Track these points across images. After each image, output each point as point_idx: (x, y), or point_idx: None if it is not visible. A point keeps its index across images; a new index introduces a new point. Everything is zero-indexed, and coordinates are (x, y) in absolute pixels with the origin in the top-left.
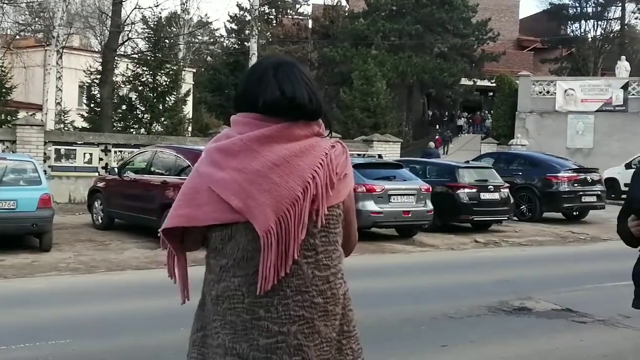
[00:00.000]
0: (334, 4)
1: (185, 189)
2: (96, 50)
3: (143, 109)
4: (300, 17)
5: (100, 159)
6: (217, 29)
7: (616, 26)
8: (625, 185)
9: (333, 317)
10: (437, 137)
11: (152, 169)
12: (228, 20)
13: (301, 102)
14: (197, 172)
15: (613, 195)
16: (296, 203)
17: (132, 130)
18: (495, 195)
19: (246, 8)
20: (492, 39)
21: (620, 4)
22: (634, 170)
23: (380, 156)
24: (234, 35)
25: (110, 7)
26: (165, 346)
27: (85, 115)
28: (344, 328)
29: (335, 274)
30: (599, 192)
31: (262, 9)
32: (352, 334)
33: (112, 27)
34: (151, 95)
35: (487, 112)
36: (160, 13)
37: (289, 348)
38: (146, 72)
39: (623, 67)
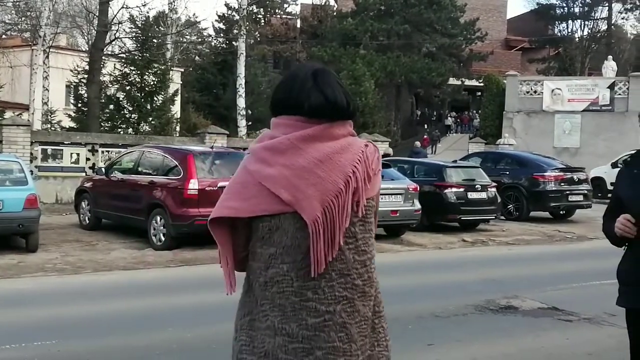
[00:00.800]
0: (323, 4)
1: (233, 184)
2: (83, 49)
3: (131, 108)
4: (289, 17)
5: (88, 159)
6: (205, 29)
7: (603, 26)
8: (612, 184)
9: (369, 298)
10: (425, 136)
11: (140, 169)
12: (216, 20)
13: (341, 105)
14: (245, 170)
15: (600, 195)
16: (339, 195)
17: (119, 130)
18: (483, 195)
19: (234, 7)
20: (480, 39)
21: (607, 4)
22: (619, 169)
23: None
24: (222, 34)
25: (97, 7)
26: (153, 346)
27: (73, 115)
28: (376, 309)
29: (371, 259)
30: (586, 192)
31: (251, 9)
32: (382, 314)
33: (99, 27)
34: (139, 95)
35: (475, 111)
36: (147, 12)
37: (335, 325)
38: (134, 72)
39: (610, 67)
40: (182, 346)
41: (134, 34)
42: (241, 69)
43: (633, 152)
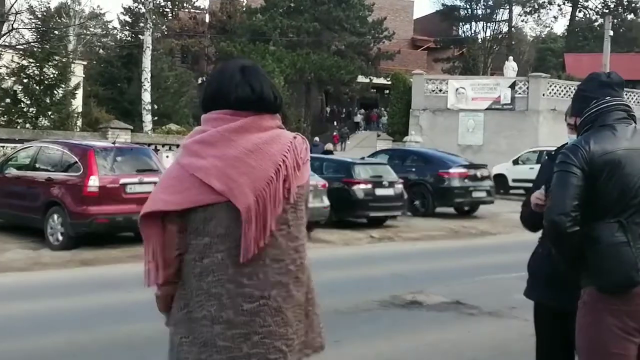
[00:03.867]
0: None
1: (166, 179)
2: None
3: (28, 102)
4: (197, 11)
5: None
6: (110, 21)
7: (504, 28)
8: (513, 180)
9: (301, 284)
10: (334, 133)
11: (37, 165)
12: (122, 13)
13: (268, 97)
14: (177, 164)
15: (502, 191)
16: (270, 183)
17: (16, 124)
18: (390, 191)
19: (140, 0)
20: (388, 38)
21: (507, 7)
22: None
23: None
24: (127, 28)
25: None
26: (47, 347)
27: None
28: (308, 296)
29: (303, 245)
30: (488, 188)
31: (157, 2)
32: (314, 301)
33: None
34: (37, 88)
35: (382, 109)
36: (49, 3)
37: (270, 310)
38: (32, 64)
39: (510, 67)
40: (80, 348)
41: (33, 25)
42: (147, 63)
43: (532, 149)
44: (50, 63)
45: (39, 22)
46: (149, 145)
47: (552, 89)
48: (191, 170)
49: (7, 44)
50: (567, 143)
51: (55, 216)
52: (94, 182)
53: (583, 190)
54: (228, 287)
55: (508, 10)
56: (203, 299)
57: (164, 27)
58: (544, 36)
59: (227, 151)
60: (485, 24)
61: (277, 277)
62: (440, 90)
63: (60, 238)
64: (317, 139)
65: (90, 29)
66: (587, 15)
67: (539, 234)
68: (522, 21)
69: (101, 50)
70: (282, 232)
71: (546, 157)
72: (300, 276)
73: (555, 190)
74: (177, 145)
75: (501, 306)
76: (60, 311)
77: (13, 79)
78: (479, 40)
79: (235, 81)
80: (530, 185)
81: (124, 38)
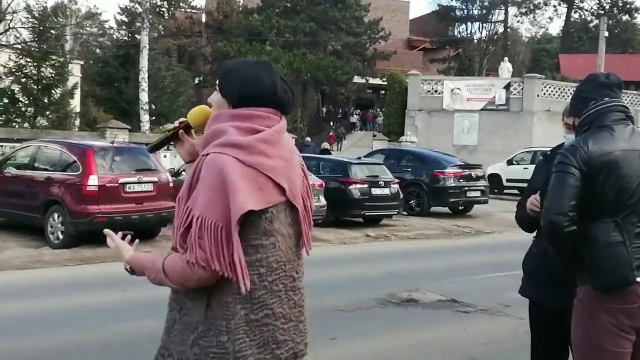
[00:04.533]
0: None
1: (238, 179)
2: None
3: (26, 102)
4: (194, 11)
5: None
6: (106, 21)
7: (500, 28)
8: (508, 180)
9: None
10: (330, 133)
11: (36, 164)
12: (118, 12)
13: (294, 100)
14: (240, 163)
15: (496, 191)
16: (304, 180)
17: (14, 124)
18: (386, 191)
19: (137, 0)
20: (384, 38)
21: (503, 8)
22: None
23: None
24: (124, 27)
25: None
26: (46, 348)
27: None
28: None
29: None
30: (483, 188)
31: (154, 1)
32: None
33: None
34: (35, 87)
35: (378, 109)
36: (45, 2)
37: (303, 299)
38: (30, 64)
39: (506, 68)
40: (80, 347)
41: (30, 24)
42: (144, 63)
43: (526, 150)
44: (47, 62)
45: (36, 22)
46: (147, 144)
47: (547, 90)
48: (263, 170)
49: (4, 43)
50: (562, 143)
51: (56, 215)
52: (93, 182)
53: (581, 190)
54: (285, 283)
55: (504, 11)
56: (266, 297)
57: (161, 26)
58: (539, 37)
59: (283, 152)
60: (480, 25)
61: (302, 268)
62: (436, 91)
63: (61, 236)
64: (308, 139)
65: (87, 29)
66: (583, 16)
67: (533, 232)
68: (517, 22)
69: (98, 50)
70: None
71: (541, 158)
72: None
73: (553, 190)
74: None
75: (496, 304)
76: (60, 309)
77: (11, 78)
78: (475, 40)
79: (275, 81)
80: (524, 185)
81: (121, 38)
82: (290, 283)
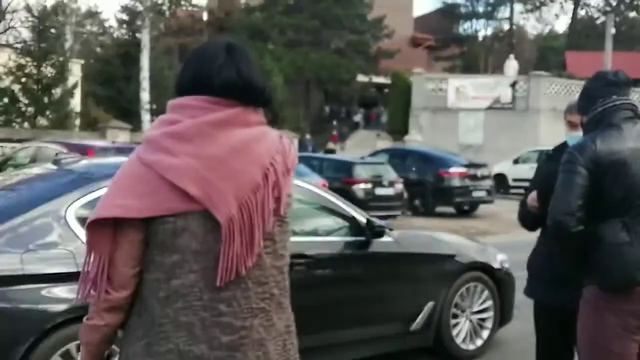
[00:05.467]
0: None
1: (124, 178)
2: None
3: (27, 101)
4: (195, 9)
5: None
6: (107, 19)
7: (505, 26)
8: (514, 180)
9: (283, 310)
10: (334, 133)
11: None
12: (119, 11)
13: (257, 85)
14: (138, 161)
15: (502, 190)
16: (258, 190)
17: (14, 124)
18: (390, 191)
19: None
20: (388, 36)
21: (509, 4)
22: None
23: None
24: (125, 26)
25: None
26: None
27: None
28: (287, 323)
29: (287, 265)
30: (489, 187)
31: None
32: (292, 328)
33: None
34: (35, 87)
35: (382, 108)
36: (45, 1)
37: (252, 343)
38: (30, 63)
39: (511, 65)
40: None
41: (30, 24)
42: (145, 62)
43: (533, 149)
44: (47, 62)
45: (36, 21)
46: None
47: (553, 88)
48: (160, 170)
49: (4, 42)
50: (565, 142)
51: None
52: None
53: (588, 189)
54: (202, 316)
55: (509, 8)
56: (169, 329)
57: (162, 25)
58: (545, 34)
59: (206, 149)
60: (486, 22)
61: (260, 302)
62: (441, 89)
63: None
64: (308, 136)
65: (88, 28)
66: (589, 14)
67: (538, 232)
68: (523, 19)
69: (99, 49)
70: (267, 249)
71: (545, 157)
72: (282, 301)
73: (560, 189)
74: None
75: None
76: None
77: (11, 78)
78: (480, 38)
79: (219, 62)
80: None
81: (122, 36)
82: (213, 317)
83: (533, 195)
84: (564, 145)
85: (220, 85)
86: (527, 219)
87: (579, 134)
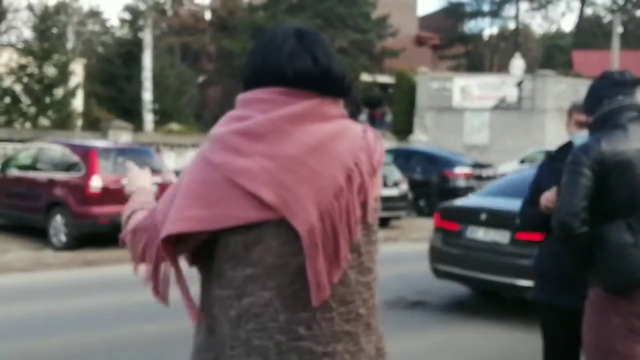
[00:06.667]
0: None
1: (191, 183)
2: None
3: (28, 101)
4: (197, 8)
5: None
6: (109, 19)
7: (511, 25)
8: None
9: (372, 332)
10: None
11: (38, 165)
12: (121, 10)
13: (336, 74)
14: (205, 162)
15: None
16: (341, 194)
17: (16, 124)
18: (395, 191)
19: None
20: (392, 35)
21: (514, 3)
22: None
23: None
24: (127, 25)
25: None
26: (50, 348)
27: None
28: (379, 345)
29: (375, 279)
30: None
31: None
32: (385, 351)
33: None
34: (37, 87)
35: (387, 107)
36: (47, 1)
37: None
38: (32, 63)
39: (517, 65)
40: (84, 350)
41: (32, 23)
42: (147, 61)
43: (539, 149)
44: (49, 62)
45: (38, 20)
46: (150, 144)
47: (560, 87)
48: (229, 174)
49: (6, 42)
50: (569, 142)
51: (58, 217)
52: (96, 183)
53: (593, 190)
54: (278, 339)
55: (515, 6)
56: (241, 352)
57: (164, 24)
58: (551, 33)
59: (280, 148)
60: (491, 21)
61: (345, 325)
62: (446, 89)
63: (63, 238)
64: None
65: (89, 27)
66: (596, 12)
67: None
68: (529, 18)
69: (100, 49)
70: (352, 263)
71: (546, 158)
72: (371, 321)
73: (565, 190)
74: (180, 145)
75: (506, 306)
76: (63, 312)
77: (13, 77)
78: (485, 37)
79: (290, 49)
80: None
81: (124, 36)
82: (290, 341)
83: (548, 195)
84: (567, 145)
85: (293, 75)
86: (537, 220)
87: (586, 133)
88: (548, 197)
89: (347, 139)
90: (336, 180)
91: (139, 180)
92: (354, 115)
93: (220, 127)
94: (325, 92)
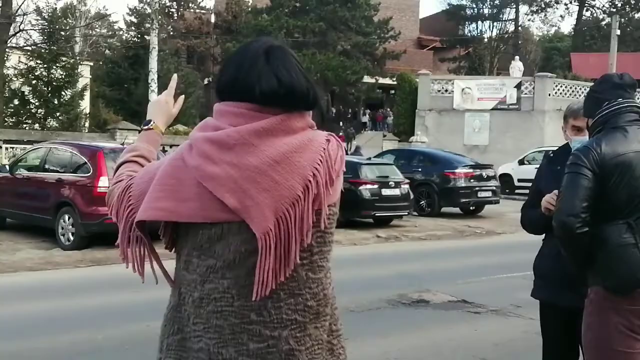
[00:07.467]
0: None
1: (166, 178)
2: None
3: (37, 103)
4: (203, 11)
5: None
6: (115, 22)
7: (511, 27)
8: (519, 180)
9: (323, 319)
10: (340, 134)
11: (47, 166)
12: (127, 13)
13: (300, 91)
14: (182, 162)
15: (507, 191)
16: (296, 203)
17: (25, 125)
18: (396, 191)
19: (146, 0)
20: (394, 38)
21: (514, 6)
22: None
23: None
24: (133, 28)
25: None
26: (58, 347)
27: None
28: (333, 327)
29: (326, 275)
30: (494, 188)
31: (163, 2)
32: (341, 332)
33: (3, 18)
34: (46, 89)
35: (388, 109)
36: (55, 4)
37: (279, 353)
38: (40, 65)
39: (517, 67)
40: (92, 348)
41: (40, 26)
42: (153, 64)
43: (538, 149)
44: (57, 64)
45: (46, 23)
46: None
47: (558, 89)
48: (199, 177)
49: (15, 45)
50: (566, 144)
51: (67, 216)
52: (104, 183)
53: (593, 191)
54: (232, 321)
55: (514, 9)
56: (201, 329)
57: (170, 27)
58: (550, 35)
59: (246, 159)
60: (491, 23)
61: (292, 314)
62: (446, 91)
63: (72, 238)
64: None
65: (97, 30)
66: (594, 15)
67: (542, 235)
68: (528, 20)
69: (107, 51)
70: (304, 261)
71: (545, 160)
72: (321, 310)
73: (565, 191)
74: None
75: (507, 305)
76: (72, 310)
77: (21, 80)
78: (485, 39)
79: (258, 69)
80: None
81: (130, 39)
82: (242, 324)
83: (548, 197)
84: (565, 148)
85: (260, 95)
86: (539, 222)
87: (584, 138)
88: (548, 199)
89: (309, 151)
90: (294, 190)
91: (159, 115)
92: (320, 124)
93: (198, 132)
94: (291, 108)
